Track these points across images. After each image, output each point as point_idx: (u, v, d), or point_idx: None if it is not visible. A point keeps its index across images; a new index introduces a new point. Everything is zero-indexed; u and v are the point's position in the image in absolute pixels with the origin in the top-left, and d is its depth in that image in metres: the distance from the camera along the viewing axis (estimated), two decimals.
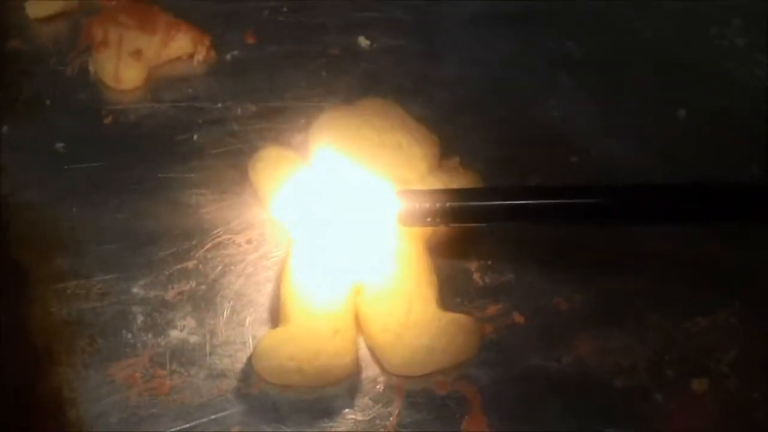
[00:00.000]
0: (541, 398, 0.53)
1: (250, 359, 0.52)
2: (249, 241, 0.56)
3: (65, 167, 0.58)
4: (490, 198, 0.52)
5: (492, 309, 0.55)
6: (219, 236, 0.56)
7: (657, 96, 0.63)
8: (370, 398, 0.52)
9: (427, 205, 0.52)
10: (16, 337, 0.52)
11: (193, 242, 0.56)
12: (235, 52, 0.63)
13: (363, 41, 0.64)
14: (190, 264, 0.55)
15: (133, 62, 0.61)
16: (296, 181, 0.56)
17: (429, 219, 0.52)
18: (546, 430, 0.52)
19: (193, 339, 0.53)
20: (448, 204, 0.52)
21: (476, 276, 0.56)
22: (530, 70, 0.64)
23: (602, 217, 0.52)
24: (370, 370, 0.53)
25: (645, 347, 0.55)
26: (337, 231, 0.53)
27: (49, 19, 0.63)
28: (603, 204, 0.51)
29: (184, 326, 0.53)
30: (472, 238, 0.56)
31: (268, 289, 0.55)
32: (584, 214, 0.51)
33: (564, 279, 0.56)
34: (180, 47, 0.62)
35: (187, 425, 0.51)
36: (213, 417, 0.51)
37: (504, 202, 0.52)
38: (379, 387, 0.53)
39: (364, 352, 0.53)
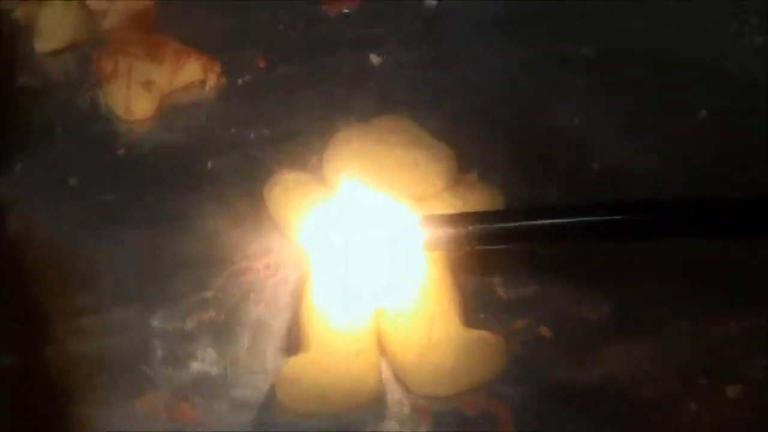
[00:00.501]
0: (572, 413, 0.52)
1: (272, 388, 0.51)
2: (267, 267, 0.55)
3: (79, 201, 0.58)
4: (517, 219, 0.51)
5: (518, 323, 0.54)
6: (236, 263, 0.55)
7: (676, 97, 0.61)
8: (396, 421, 0.52)
9: (453, 230, 0.50)
10: (34, 378, 0.51)
11: (211, 270, 0.55)
12: (247, 77, 0.62)
13: (374, 58, 0.63)
14: (209, 293, 0.54)
15: (144, 92, 0.60)
16: (314, 205, 0.55)
17: (454, 243, 0.51)
18: None
19: (214, 370, 0.52)
20: (473, 228, 0.50)
21: (500, 290, 0.55)
22: (544, 75, 0.63)
23: (634, 233, 0.50)
24: (396, 393, 0.52)
25: (675, 355, 0.53)
26: (356, 254, 0.52)
27: (57, 52, 0.62)
28: (635, 220, 0.49)
29: (204, 357, 0.53)
30: (492, 252, 0.55)
31: (288, 315, 0.54)
32: (613, 231, 0.50)
33: (589, 289, 0.55)
34: (190, 74, 0.62)
35: None
36: None
37: (532, 223, 0.50)
38: (406, 410, 0.52)
39: (387, 375, 0.52)
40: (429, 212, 0.53)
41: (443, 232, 0.50)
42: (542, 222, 0.50)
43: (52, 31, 0.62)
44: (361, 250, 0.52)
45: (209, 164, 0.59)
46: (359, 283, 0.52)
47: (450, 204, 0.55)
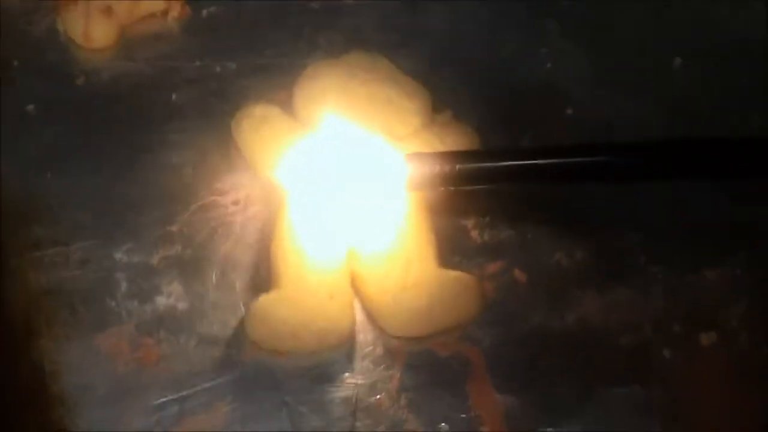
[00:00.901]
0: (545, 358, 0.51)
1: (241, 325, 0.50)
2: (236, 203, 0.54)
3: (37, 131, 0.55)
4: (506, 159, 0.50)
5: (492, 267, 0.53)
6: (204, 198, 0.53)
7: (651, 42, 0.60)
8: (370, 362, 0.51)
9: (440, 168, 0.49)
10: None
11: (177, 206, 0.53)
12: (212, 8, 0.60)
13: None
14: (175, 228, 0.52)
15: (104, 19, 0.58)
16: (283, 140, 0.53)
17: (440, 182, 0.49)
18: (551, 390, 0.50)
19: (181, 305, 0.51)
20: (460, 166, 0.49)
21: (474, 233, 0.54)
22: (518, 19, 0.61)
23: (627, 175, 0.50)
24: (369, 333, 0.51)
25: (650, 303, 0.53)
26: (335, 191, 0.51)
27: None
28: (632, 162, 0.49)
29: (170, 292, 0.51)
30: (468, 194, 0.54)
31: (257, 252, 0.52)
32: (609, 172, 0.49)
33: (564, 234, 0.54)
34: (152, 4, 0.59)
35: (178, 395, 0.49)
36: (205, 386, 0.49)
37: (522, 162, 0.50)
38: (379, 350, 0.51)
39: (361, 315, 0.51)
40: (406, 150, 0.51)
41: (429, 171, 0.49)
42: (531, 162, 0.49)
43: None
44: (341, 187, 0.50)
45: (173, 96, 0.56)
46: (336, 221, 0.50)
47: (426, 142, 0.53)
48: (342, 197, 0.51)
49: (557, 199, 0.55)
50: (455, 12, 0.61)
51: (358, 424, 0.49)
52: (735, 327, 0.52)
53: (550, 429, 0.50)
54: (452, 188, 0.50)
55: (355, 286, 0.51)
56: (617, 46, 0.60)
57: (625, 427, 0.50)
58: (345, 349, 0.50)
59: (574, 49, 0.60)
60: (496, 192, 0.54)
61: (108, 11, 0.57)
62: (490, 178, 0.50)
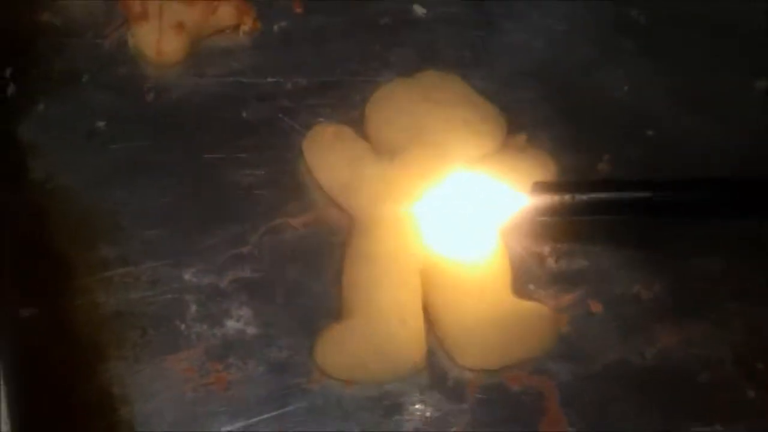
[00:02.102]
0: (623, 395, 0.50)
1: (310, 352, 0.49)
2: (306, 225, 0.52)
3: (106, 148, 0.54)
4: (640, 189, 0.49)
5: (567, 298, 0.52)
6: (274, 220, 0.52)
7: (730, 62, 0.59)
8: (440, 393, 0.49)
9: (568, 198, 0.48)
10: (61, 333, 0.48)
11: (247, 227, 0.52)
12: (283, 23, 0.59)
13: (418, 9, 0.60)
14: (245, 250, 0.52)
15: (175, 35, 0.57)
16: (355, 161, 0.52)
17: (564, 212, 0.49)
18: (627, 430, 0.49)
19: (250, 330, 0.50)
20: (585, 196, 0.48)
21: (549, 261, 0.53)
22: (594, 37, 0.60)
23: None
24: (440, 364, 0.50)
25: (730, 338, 0.51)
26: (404, 215, 0.50)
27: None
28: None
29: (240, 316, 0.50)
30: (543, 221, 0.52)
31: (329, 277, 0.51)
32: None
33: (642, 265, 0.53)
34: (224, 18, 0.58)
35: (246, 422, 0.48)
36: (273, 413, 0.48)
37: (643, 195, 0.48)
38: (450, 382, 0.50)
39: (433, 345, 0.50)
40: (480, 175, 0.50)
41: (557, 200, 0.48)
42: (663, 195, 0.48)
43: None
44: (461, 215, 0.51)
45: (244, 114, 0.56)
46: (405, 241, 0.50)
47: (500, 166, 0.52)
48: (410, 218, 0.50)
49: (635, 226, 0.53)
50: (528, 31, 0.59)
51: None
52: None
53: None
54: (574, 218, 0.50)
55: (428, 315, 0.50)
56: (695, 65, 0.59)
57: None
58: (416, 379, 0.49)
59: (652, 69, 0.58)
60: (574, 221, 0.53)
61: (179, 27, 0.57)
62: (617, 209, 0.49)
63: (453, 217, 0.50)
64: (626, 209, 0.49)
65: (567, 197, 0.49)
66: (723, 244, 0.53)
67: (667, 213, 0.50)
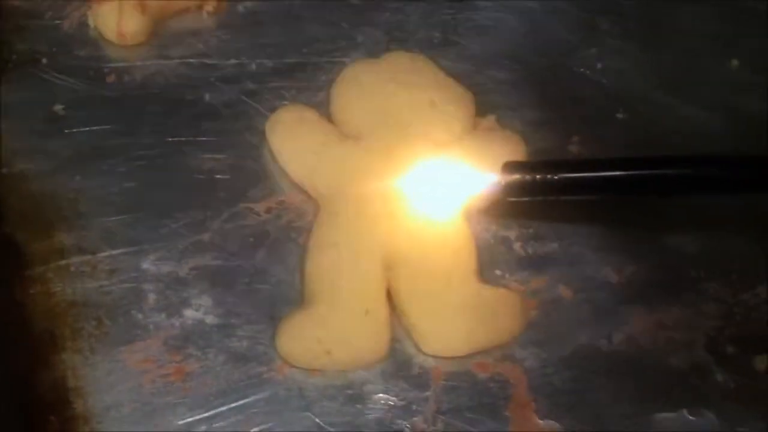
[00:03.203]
0: (592, 380, 0.49)
1: (273, 341, 0.48)
2: (269, 211, 0.51)
3: (65, 132, 0.53)
4: (613, 168, 0.48)
5: (535, 282, 0.51)
6: (236, 206, 0.51)
7: (706, 43, 0.57)
8: (405, 381, 0.48)
9: (539, 177, 0.48)
10: (14, 322, 0.47)
11: (208, 213, 0.51)
12: (248, 3, 0.57)
13: None
14: (206, 237, 0.50)
15: (137, 15, 0.55)
16: (323, 146, 0.51)
17: (535, 193, 0.48)
18: (598, 415, 0.48)
19: (210, 319, 0.49)
20: (557, 176, 0.48)
21: (517, 245, 0.52)
22: (567, 17, 0.58)
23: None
24: (405, 352, 0.49)
25: (703, 322, 0.50)
26: (369, 200, 0.48)
27: None
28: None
29: (200, 305, 0.49)
30: (511, 203, 0.51)
31: (292, 263, 0.50)
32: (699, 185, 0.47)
33: (613, 248, 0.52)
34: None
35: (206, 414, 0.47)
36: (234, 405, 0.47)
37: (617, 174, 0.48)
38: (415, 370, 0.49)
39: (397, 332, 0.49)
40: (448, 157, 0.49)
41: (528, 179, 0.48)
42: (628, 173, 0.47)
43: None
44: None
45: (207, 97, 0.54)
46: (368, 227, 0.49)
47: (469, 149, 0.51)
48: (373, 203, 0.49)
49: (606, 209, 0.52)
50: (501, 10, 0.58)
51: None
52: None
53: None
54: (544, 198, 0.49)
55: (392, 301, 0.49)
56: (672, 47, 0.57)
57: None
58: (380, 368, 0.48)
59: (626, 50, 0.57)
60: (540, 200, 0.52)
61: (142, 6, 0.55)
62: (588, 188, 0.48)
63: (420, 200, 0.49)
64: (597, 188, 0.49)
65: (538, 177, 0.48)
66: (697, 226, 0.52)
67: (639, 191, 0.49)
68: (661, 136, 0.54)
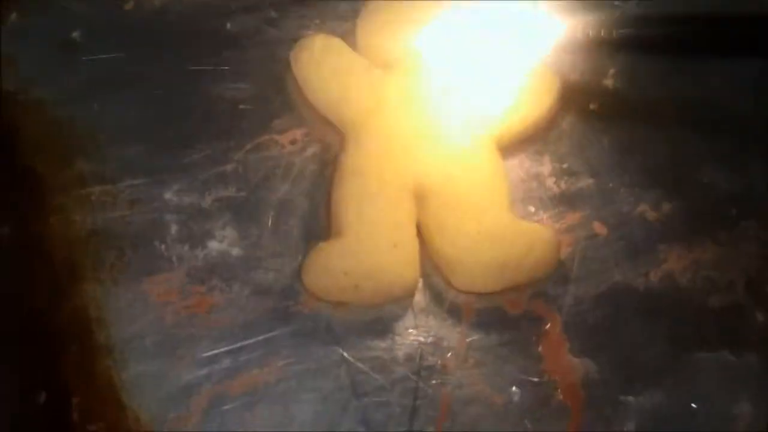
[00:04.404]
0: (626, 319, 0.47)
1: (298, 274, 0.46)
2: (293, 142, 0.50)
3: (82, 59, 0.51)
4: None
5: (569, 218, 0.49)
6: (260, 137, 0.50)
7: None
8: (435, 317, 0.47)
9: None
10: (34, 252, 0.46)
11: (231, 143, 0.50)
12: None
13: None
14: (229, 167, 0.49)
15: None
16: (349, 76, 0.49)
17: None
18: (632, 355, 0.46)
19: (235, 251, 0.47)
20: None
21: (550, 181, 0.50)
22: None
23: None
24: (435, 287, 0.47)
25: (741, 261, 0.48)
26: (397, 129, 0.47)
27: None
28: None
29: (223, 237, 0.48)
30: (545, 137, 0.50)
31: (318, 196, 0.49)
32: None
33: (649, 184, 0.50)
34: None
35: (230, 347, 0.46)
36: (259, 338, 0.46)
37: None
38: (445, 305, 0.47)
39: (427, 267, 0.47)
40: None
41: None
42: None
43: None
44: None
45: (228, 25, 0.53)
46: (399, 157, 0.47)
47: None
48: (404, 130, 0.47)
49: (642, 143, 0.50)
50: None
51: (421, 385, 0.45)
52: None
53: (631, 397, 0.46)
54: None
55: (422, 236, 0.47)
56: None
57: (712, 395, 0.46)
58: (408, 303, 0.47)
59: None
60: (575, 134, 0.50)
61: None
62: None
63: (451, 129, 0.47)
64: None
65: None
66: (736, 163, 0.50)
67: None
68: None
